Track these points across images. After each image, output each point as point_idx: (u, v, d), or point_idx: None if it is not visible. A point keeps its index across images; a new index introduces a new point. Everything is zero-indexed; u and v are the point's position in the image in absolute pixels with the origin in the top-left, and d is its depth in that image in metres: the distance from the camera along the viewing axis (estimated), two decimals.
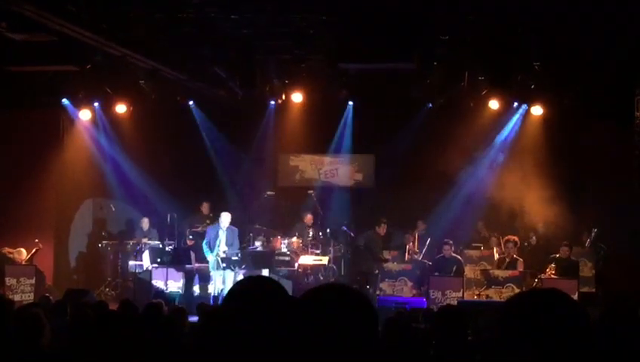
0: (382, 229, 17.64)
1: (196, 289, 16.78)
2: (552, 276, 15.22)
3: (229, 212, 16.60)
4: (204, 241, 16.45)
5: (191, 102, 18.85)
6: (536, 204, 17.84)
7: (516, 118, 18.26)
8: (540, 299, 2.46)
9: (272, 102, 18.71)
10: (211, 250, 16.22)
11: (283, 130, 19.31)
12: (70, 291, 12.86)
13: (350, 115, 18.90)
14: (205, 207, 18.44)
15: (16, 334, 5.54)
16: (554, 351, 2.30)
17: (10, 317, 5.82)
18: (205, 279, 16.61)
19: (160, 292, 15.48)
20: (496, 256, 16.70)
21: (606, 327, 5.46)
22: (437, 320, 5.60)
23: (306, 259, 17.11)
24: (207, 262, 16.56)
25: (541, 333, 2.31)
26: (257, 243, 17.45)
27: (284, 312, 2.61)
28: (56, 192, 18.49)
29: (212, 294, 15.90)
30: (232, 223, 16.49)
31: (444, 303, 13.77)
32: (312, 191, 18.38)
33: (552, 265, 15.47)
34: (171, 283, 16.33)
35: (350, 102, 18.67)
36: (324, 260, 17.10)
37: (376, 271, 16.64)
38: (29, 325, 5.58)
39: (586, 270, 16.33)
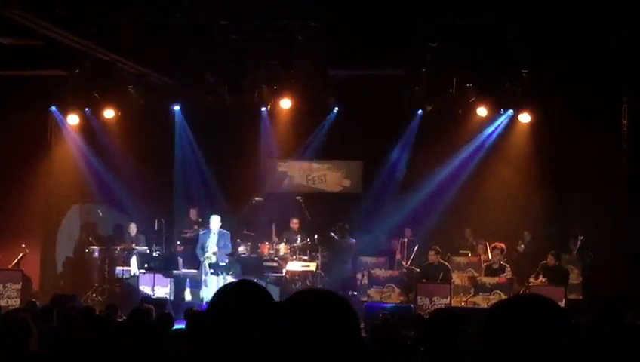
0: (336, 233, 17.51)
1: (187, 295, 16.77)
2: (543, 282, 15.22)
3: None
4: (198, 246, 16.59)
5: (176, 107, 18.85)
6: (523, 211, 17.91)
7: (499, 122, 18.30)
8: (522, 305, 2.47)
9: (264, 108, 18.72)
10: (203, 253, 16.36)
11: (271, 135, 19.33)
12: (57, 296, 12.83)
13: (332, 120, 18.89)
14: (193, 213, 18.45)
15: (3, 339, 5.52)
16: (538, 356, 2.30)
17: None
18: (196, 285, 16.62)
19: (147, 298, 15.43)
20: (484, 263, 16.71)
21: (594, 334, 5.48)
22: (429, 324, 5.59)
23: (294, 265, 17.08)
24: (197, 267, 16.62)
25: (524, 339, 2.32)
26: (244, 249, 17.42)
27: (267, 314, 2.61)
28: (44, 197, 18.43)
29: (204, 299, 15.89)
30: (221, 228, 16.58)
31: (432, 309, 13.79)
32: (299, 197, 18.36)
33: (541, 276, 15.45)
34: (158, 288, 16.28)
35: (335, 108, 18.68)
36: (312, 266, 17.06)
37: (357, 275, 16.79)
38: (16, 330, 5.56)
39: (574, 277, 16.35)
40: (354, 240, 17.27)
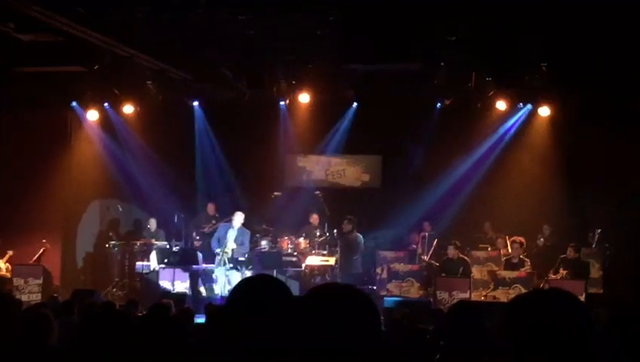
0: (345, 227, 17.55)
1: (203, 290, 16.82)
2: (564, 274, 15.15)
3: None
4: (214, 236, 16.67)
5: (195, 103, 18.92)
6: (542, 205, 17.83)
7: (517, 116, 18.23)
8: (542, 299, 2.46)
9: (283, 103, 18.73)
10: (220, 245, 16.38)
11: (290, 130, 19.34)
12: (77, 291, 12.89)
13: (351, 115, 18.88)
14: (211, 208, 18.49)
15: (25, 334, 5.56)
16: (556, 350, 2.30)
17: (18, 316, 5.84)
18: (213, 280, 16.67)
19: (166, 293, 15.49)
20: (503, 257, 16.67)
21: (613, 329, 5.45)
22: (449, 317, 5.55)
23: (313, 260, 17.12)
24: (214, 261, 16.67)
25: (544, 333, 2.31)
26: (264, 244, 17.47)
27: (285, 309, 2.62)
28: (64, 193, 18.50)
29: (219, 294, 15.96)
30: (243, 224, 16.65)
31: (451, 304, 13.76)
32: (319, 192, 18.35)
33: (562, 268, 15.38)
34: (178, 283, 16.36)
35: (354, 103, 18.68)
36: (331, 261, 17.09)
37: (377, 269, 16.83)
38: (38, 325, 5.60)
39: (594, 271, 16.25)
40: (360, 236, 17.30)
